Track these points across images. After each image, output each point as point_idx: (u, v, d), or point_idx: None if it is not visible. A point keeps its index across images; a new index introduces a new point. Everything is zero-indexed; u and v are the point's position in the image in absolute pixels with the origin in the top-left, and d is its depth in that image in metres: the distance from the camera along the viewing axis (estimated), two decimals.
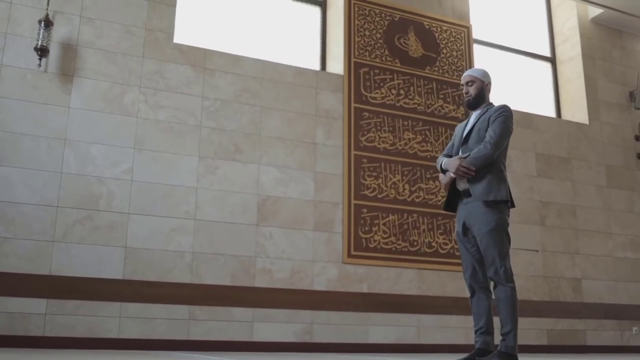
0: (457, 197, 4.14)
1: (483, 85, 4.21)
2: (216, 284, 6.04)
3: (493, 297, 3.98)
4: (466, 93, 4.24)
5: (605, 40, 9.17)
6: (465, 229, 4.06)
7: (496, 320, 3.95)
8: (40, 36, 5.76)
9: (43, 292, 5.43)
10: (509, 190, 4.03)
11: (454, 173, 4.03)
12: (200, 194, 6.17)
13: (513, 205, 4.05)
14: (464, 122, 4.35)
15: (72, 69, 5.95)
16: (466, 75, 4.27)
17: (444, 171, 4.17)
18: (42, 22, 5.77)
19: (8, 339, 5.22)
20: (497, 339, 3.90)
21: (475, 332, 4.00)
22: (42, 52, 5.77)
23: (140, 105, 6.12)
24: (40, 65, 5.78)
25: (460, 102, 7.60)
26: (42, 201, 5.58)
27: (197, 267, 6.02)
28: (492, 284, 3.98)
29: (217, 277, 6.07)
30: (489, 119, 4.07)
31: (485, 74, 4.26)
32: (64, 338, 5.40)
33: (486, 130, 4.05)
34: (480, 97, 4.21)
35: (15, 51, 5.77)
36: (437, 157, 7.22)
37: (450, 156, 4.22)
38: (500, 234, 3.90)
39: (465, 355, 4.00)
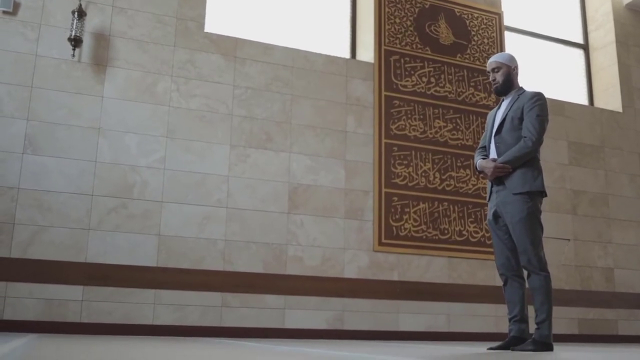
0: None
1: (510, 71, 4.09)
2: (248, 272, 6.10)
3: (527, 285, 3.96)
4: (493, 80, 4.13)
5: None
6: (497, 216, 4.03)
7: (530, 309, 3.94)
8: (74, 26, 5.82)
9: (79, 279, 5.53)
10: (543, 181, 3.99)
11: (490, 178, 3.99)
12: (232, 182, 6.22)
13: (545, 195, 4.01)
14: (495, 109, 4.27)
15: (105, 59, 6.02)
16: (491, 61, 4.14)
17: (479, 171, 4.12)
18: (76, 13, 5.84)
19: (47, 324, 5.33)
20: (532, 327, 3.89)
21: (510, 320, 3.98)
22: (76, 42, 5.84)
23: (172, 94, 6.18)
24: (73, 55, 5.85)
25: (492, 90, 7.53)
26: (77, 190, 5.67)
27: (230, 255, 6.07)
28: (526, 272, 3.96)
29: (249, 265, 6.12)
30: (522, 107, 3.98)
31: (511, 58, 4.14)
32: (100, 324, 5.50)
33: (519, 118, 3.97)
34: (509, 82, 4.10)
35: (49, 42, 5.85)
36: (467, 145, 7.24)
37: (485, 148, 4.18)
38: (532, 222, 3.86)
39: (496, 343, 3.99)
